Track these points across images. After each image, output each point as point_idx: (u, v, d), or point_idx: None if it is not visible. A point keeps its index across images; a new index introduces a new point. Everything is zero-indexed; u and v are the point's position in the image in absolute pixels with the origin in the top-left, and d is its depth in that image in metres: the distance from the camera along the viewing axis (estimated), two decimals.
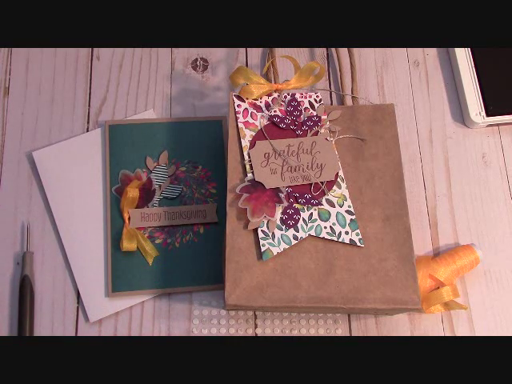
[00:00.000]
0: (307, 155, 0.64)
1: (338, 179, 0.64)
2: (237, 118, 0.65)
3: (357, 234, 0.61)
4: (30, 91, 0.75)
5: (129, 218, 0.68)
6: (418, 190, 0.74)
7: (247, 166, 0.63)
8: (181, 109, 0.76)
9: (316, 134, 0.66)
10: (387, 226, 0.62)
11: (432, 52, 0.81)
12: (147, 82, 0.77)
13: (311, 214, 0.61)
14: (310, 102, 0.68)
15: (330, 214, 0.62)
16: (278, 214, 0.61)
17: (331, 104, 0.77)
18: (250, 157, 0.63)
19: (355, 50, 0.79)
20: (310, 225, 0.61)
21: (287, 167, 0.63)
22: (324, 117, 0.67)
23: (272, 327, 0.67)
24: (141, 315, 0.67)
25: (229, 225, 0.60)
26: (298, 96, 0.68)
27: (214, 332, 0.66)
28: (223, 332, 0.66)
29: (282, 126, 0.65)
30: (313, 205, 0.62)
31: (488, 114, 0.75)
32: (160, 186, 0.70)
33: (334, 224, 0.61)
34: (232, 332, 0.66)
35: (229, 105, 0.66)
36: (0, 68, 0.76)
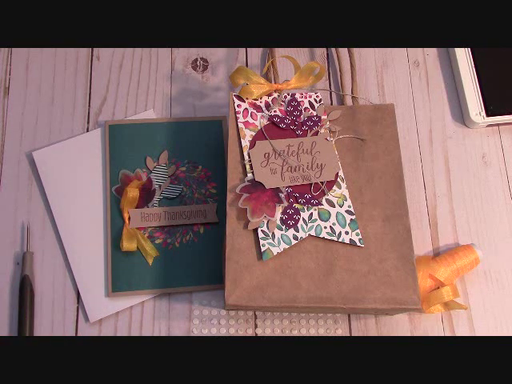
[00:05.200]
0: (307, 155, 0.64)
1: (338, 179, 0.64)
2: (237, 118, 0.65)
3: (357, 234, 0.61)
4: (29, 91, 0.75)
5: (129, 218, 0.68)
6: (418, 190, 0.74)
7: (247, 166, 0.63)
8: (181, 109, 0.76)
9: (316, 133, 0.66)
10: (387, 225, 0.62)
11: (432, 52, 0.81)
12: (147, 82, 0.77)
13: (311, 214, 0.61)
14: (310, 102, 0.68)
15: (329, 213, 0.62)
16: (278, 214, 0.61)
17: (331, 104, 0.77)
18: (249, 157, 0.63)
19: (355, 50, 0.79)
20: (309, 225, 0.61)
21: (287, 167, 0.63)
22: (324, 117, 0.67)
23: (272, 327, 0.67)
24: (141, 315, 0.67)
25: (229, 225, 0.60)
26: (298, 96, 0.68)
27: (213, 332, 0.66)
28: (223, 332, 0.66)
29: (282, 126, 0.65)
30: (313, 205, 0.62)
31: (488, 114, 0.75)
32: (160, 186, 0.70)
33: (334, 224, 0.61)
34: (232, 332, 0.66)
35: (229, 105, 0.66)
36: (0, 68, 0.76)
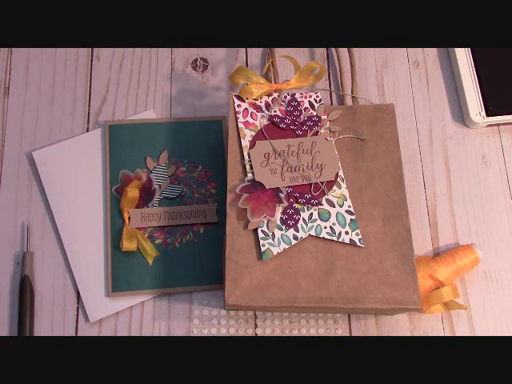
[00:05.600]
0: (307, 155, 0.64)
1: (338, 179, 0.64)
2: (237, 118, 0.65)
3: (357, 234, 0.61)
4: (29, 91, 0.75)
5: (129, 218, 0.68)
6: (418, 190, 0.74)
7: (247, 166, 0.63)
8: (181, 109, 0.76)
9: (316, 133, 0.66)
10: (387, 225, 0.62)
11: (432, 52, 0.81)
12: (147, 82, 0.77)
13: (311, 214, 0.61)
14: (310, 102, 0.68)
15: (329, 213, 0.62)
16: (278, 214, 0.61)
17: (331, 104, 0.77)
18: (249, 157, 0.63)
19: (355, 50, 0.79)
20: (310, 225, 0.61)
21: (287, 167, 0.63)
22: (324, 117, 0.67)
23: (272, 327, 0.67)
24: (141, 315, 0.67)
25: (229, 225, 0.60)
26: (298, 96, 0.68)
27: (213, 332, 0.66)
28: (223, 332, 0.66)
29: (282, 126, 0.65)
30: (313, 205, 0.62)
31: (488, 114, 0.75)
32: (160, 186, 0.70)
33: (334, 224, 0.61)
34: (232, 332, 0.66)
35: (229, 105, 0.66)
36: (0, 68, 0.76)
